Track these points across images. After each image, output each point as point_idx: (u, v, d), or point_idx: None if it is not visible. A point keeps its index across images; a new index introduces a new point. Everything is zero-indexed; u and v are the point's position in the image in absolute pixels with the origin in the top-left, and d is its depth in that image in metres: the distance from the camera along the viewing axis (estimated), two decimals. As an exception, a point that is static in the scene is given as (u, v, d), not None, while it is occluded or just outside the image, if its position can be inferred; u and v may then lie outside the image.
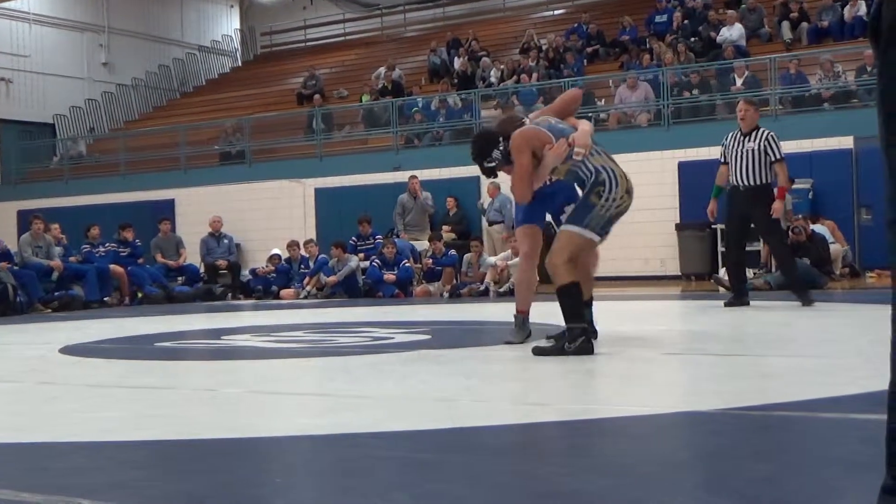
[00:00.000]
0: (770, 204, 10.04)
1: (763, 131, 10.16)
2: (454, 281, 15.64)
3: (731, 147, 10.27)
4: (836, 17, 19.89)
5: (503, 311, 11.38)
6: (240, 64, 33.99)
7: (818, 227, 14.95)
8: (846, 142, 16.35)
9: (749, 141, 10.12)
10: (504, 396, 4.92)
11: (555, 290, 6.49)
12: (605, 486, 2.86)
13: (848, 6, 19.58)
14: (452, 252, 16.18)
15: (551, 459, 3.44)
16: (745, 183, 10.11)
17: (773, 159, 10.10)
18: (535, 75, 22.11)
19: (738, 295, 10.33)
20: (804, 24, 20.43)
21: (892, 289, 1.85)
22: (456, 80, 23.67)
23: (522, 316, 7.33)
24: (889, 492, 1.81)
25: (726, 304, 10.32)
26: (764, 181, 10.11)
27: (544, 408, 4.46)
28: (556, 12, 28.50)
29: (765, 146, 10.07)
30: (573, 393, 5.11)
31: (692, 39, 21.24)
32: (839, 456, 3.08)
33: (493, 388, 5.25)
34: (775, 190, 10.22)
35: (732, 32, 20.43)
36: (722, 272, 15.79)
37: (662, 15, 22.96)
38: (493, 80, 23.01)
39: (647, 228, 17.44)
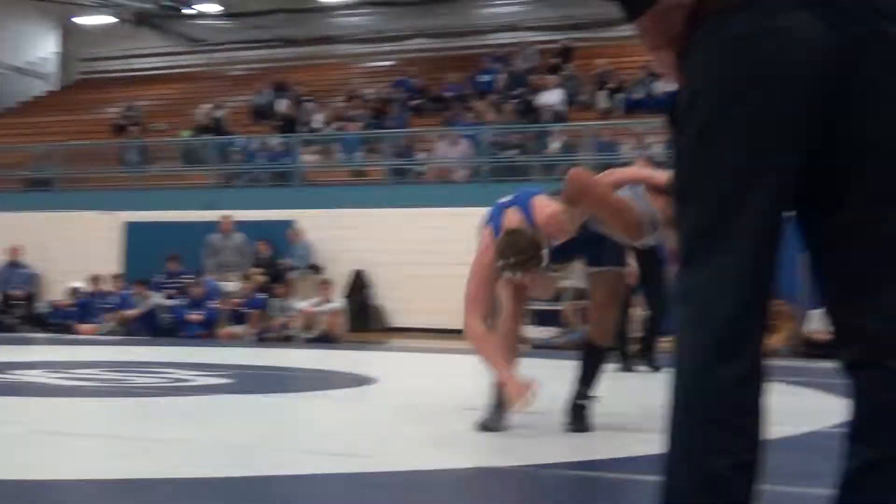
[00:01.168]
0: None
1: None
2: (261, 324, 15.41)
3: None
4: (648, 91, 20.71)
5: (309, 358, 11.30)
6: (56, 88, 32.87)
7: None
8: (652, 210, 16.95)
9: None
10: (300, 446, 4.83)
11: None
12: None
13: (660, 81, 20.43)
14: (261, 295, 15.96)
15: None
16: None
17: None
18: (358, 124, 22.18)
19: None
20: (620, 95, 21.20)
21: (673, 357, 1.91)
22: (279, 123, 23.51)
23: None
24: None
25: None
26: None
27: (341, 458, 4.39)
28: (384, 63, 28.73)
29: None
30: (373, 444, 5.05)
31: (514, 101, 21.74)
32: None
33: (290, 437, 5.15)
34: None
35: (552, 97, 21.02)
36: (528, 328, 16.08)
37: (486, 75, 23.44)
38: (316, 125, 22.96)
39: (459, 282, 17.43)
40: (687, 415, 1.85)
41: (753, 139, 1.81)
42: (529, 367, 8.27)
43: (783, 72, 1.78)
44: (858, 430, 1.91)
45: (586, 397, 5.28)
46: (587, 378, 5.33)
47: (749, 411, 1.84)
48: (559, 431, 5.18)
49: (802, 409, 5.93)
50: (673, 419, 1.88)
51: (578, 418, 5.19)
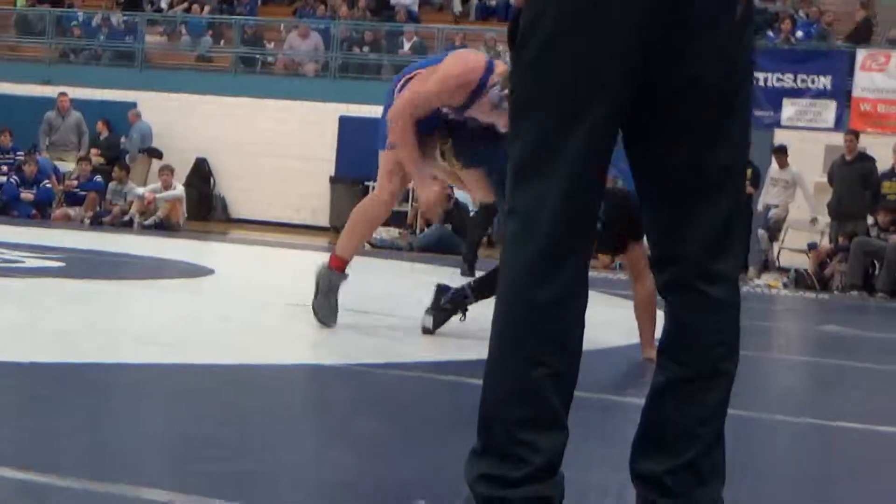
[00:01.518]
0: None
1: None
2: (97, 207, 15.03)
3: None
4: (503, -2, 20.74)
5: (146, 245, 11.13)
6: None
7: (461, 195, 15.55)
8: (498, 117, 17.13)
9: None
10: (130, 334, 4.79)
11: None
12: (213, 434, 2.88)
13: (515, -11, 20.47)
14: (98, 178, 15.53)
15: (166, 403, 3.41)
16: None
17: None
18: (206, 8, 21.54)
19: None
20: (474, 0, 21.16)
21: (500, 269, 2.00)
22: (122, 0, 22.62)
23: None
24: (475, 453, 1.96)
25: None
26: None
27: (170, 349, 4.39)
28: (236, -54, 27.86)
29: None
30: (208, 340, 5.04)
31: (368, -4, 21.44)
32: (446, 414, 3.27)
33: (120, 325, 5.11)
34: None
35: (406, -4, 20.82)
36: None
37: (342, -33, 23.03)
38: (162, 5, 22.19)
39: (303, 177, 17.55)
40: (508, 326, 1.95)
41: (590, 62, 1.88)
42: (374, 267, 8.37)
43: (622, 3, 1.86)
44: (667, 348, 2.05)
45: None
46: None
47: (568, 325, 1.94)
48: (398, 331, 5.29)
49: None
50: (496, 329, 1.97)
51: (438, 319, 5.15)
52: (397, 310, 6.68)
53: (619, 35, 1.87)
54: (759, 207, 13.93)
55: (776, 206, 13.92)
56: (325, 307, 5.13)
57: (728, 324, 2.01)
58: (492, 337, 1.98)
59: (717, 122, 1.95)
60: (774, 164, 14.16)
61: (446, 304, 5.18)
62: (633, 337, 4.93)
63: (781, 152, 14.09)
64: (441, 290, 5.23)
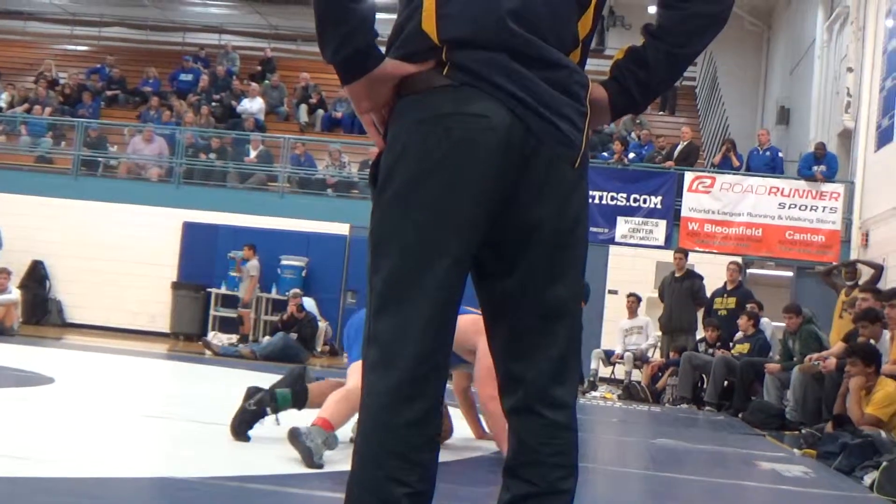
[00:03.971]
0: None
1: None
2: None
3: None
4: (349, 110, 21.13)
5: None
6: None
7: (308, 303, 15.64)
8: (343, 228, 17.35)
9: None
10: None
11: None
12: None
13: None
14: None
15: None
16: None
17: None
18: (48, 109, 21.27)
19: None
20: (320, 111, 21.51)
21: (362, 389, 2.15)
22: (-41, 98, 22.15)
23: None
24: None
25: None
26: None
27: (12, 461, 4.34)
28: (80, 48, 27.66)
29: None
30: (50, 448, 5.00)
31: (214, 104, 21.55)
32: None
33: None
34: None
35: (253, 105, 21.02)
36: (211, 335, 16.04)
37: (188, 74, 23.11)
38: (1, 104, 21.82)
39: (143, 282, 17.34)
40: (370, 447, 2.09)
41: (445, 206, 2.07)
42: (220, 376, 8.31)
43: (478, 152, 2.06)
44: (512, 466, 2.23)
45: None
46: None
47: (425, 447, 2.10)
48: (261, 443, 5.32)
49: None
50: (358, 450, 2.11)
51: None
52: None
53: (471, 183, 2.05)
54: (619, 350, 14.32)
55: (632, 349, 14.26)
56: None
57: (567, 446, 2.19)
58: (354, 454, 2.12)
59: (556, 259, 2.17)
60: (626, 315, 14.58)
61: (251, 406, 5.37)
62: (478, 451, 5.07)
63: (633, 298, 14.55)
64: (249, 392, 5.43)
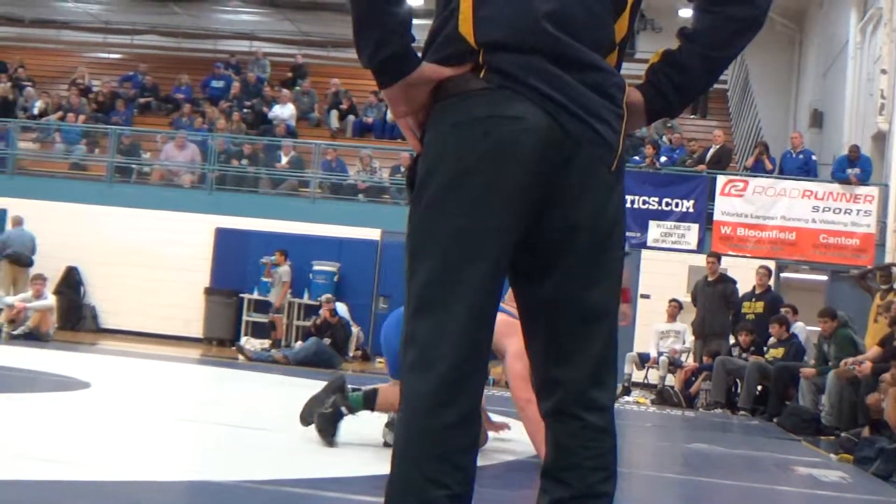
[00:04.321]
0: None
1: None
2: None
3: None
4: (379, 116, 21.19)
5: (16, 356, 10.88)
6: None
7: (340, 308, 15.68)
8: (374, 233, 17.39)
9: None
10: (8, 450, 4.75)
11: None
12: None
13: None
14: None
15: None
16: None
17: None
18: (81, 116, 21.45)
19: None
20: (351, 117, 21.57)
21: (400, 400, 2.15)
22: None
23: None
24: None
25: None
26: None
27: (52, 465, 4.38)
28: (113, 56, 27.88)
29: None
30: (87, 452, 5.04)
31: (245, 110, 21.66)
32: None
33: None
34: None
35: (284, 112, 21.12)
36: (244, 339, 16.12)
37: (219, 80, 23.24)
38: (35, 111, 22.02)
39: (176, 288, 17.44)
40: (409, 449, 2.09)
41: (485, 208, 2.07)
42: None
43: (515, 154, 2.06)
44: (549, 469, 2.22)
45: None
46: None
47: (464, 449, 2.09)
48: (296, 447, 5.35)
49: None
50: (398, 452, 2.11)
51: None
52: (283, 424, 6.73)
53: (508, 186, 2.05)
54: (653, 353, 14.28)
55: (665, 352, 14.20)
56: None
57: (605, 449, 2.18)
58: (393, 457, 2.12)
59: (594, 262, 2.16)
60: (665, 318, 14.55)
61: (327, 409, 5.55)
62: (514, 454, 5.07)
63: (675, 303, 14.47)
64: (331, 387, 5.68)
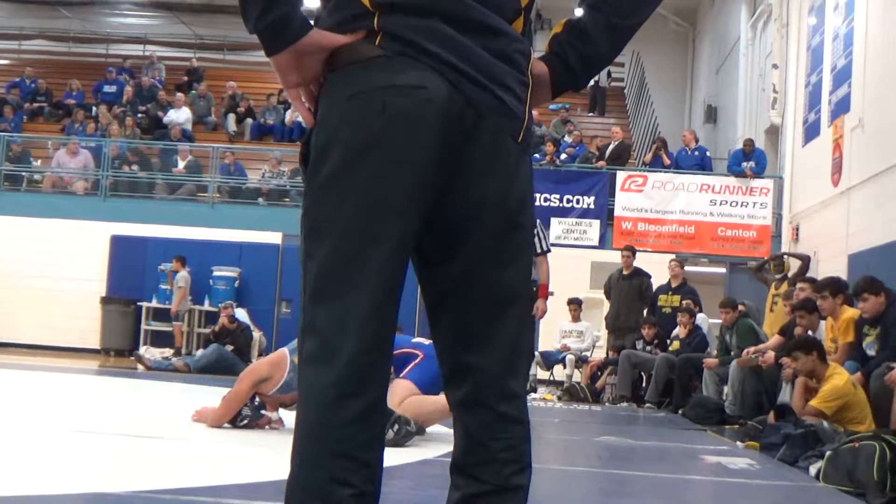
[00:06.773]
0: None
1: None
2: None
3: None
4: (279, 119, 20.93)
5: None
6: None
7: (240, 313, 15.37)
8: (275, 237, 17.14)
9: None
10: None
11: None
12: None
13: (290, 110, 20.67)
14: None
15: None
16: None
17: (536, 252, 9.43)
18: (-32, 123, 20.78)
19: None
20: (249, 120, 21.26)
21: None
22: None
23: None
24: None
25: None
26: None
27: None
28: (0, 62, 27.09)
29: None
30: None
31: (139, 115, 21.19)
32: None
33: None
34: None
35: (180, 115, 20.72)
36: (143, 349, 15.73)
37: (112, 85, 22.71)
38: (-82, 120, 21.25)
39: (71, 298, 16.98)
40: (311, 447, 1.93)
41: (381, 188, 1.91)
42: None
43: (415, 126, 1.90)
44: (460, 463, 2.09)
45: None
46: None
47: (369, 444, 1.94)
48: (197, 455, 5.15)
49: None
50: (298, 450, 1.95)
51: None
52: (183, 433, 6.53)
53: (410, 160, 1.90)
54: (558, 345, 14.23)
55: (568, 353, 14.13)
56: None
57: (519, 440, 2.05)
58: (293, 455, 1.96)
59: (505, 240, 2.02)
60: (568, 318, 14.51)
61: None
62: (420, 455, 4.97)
63: (575, 304, 14.42)
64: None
